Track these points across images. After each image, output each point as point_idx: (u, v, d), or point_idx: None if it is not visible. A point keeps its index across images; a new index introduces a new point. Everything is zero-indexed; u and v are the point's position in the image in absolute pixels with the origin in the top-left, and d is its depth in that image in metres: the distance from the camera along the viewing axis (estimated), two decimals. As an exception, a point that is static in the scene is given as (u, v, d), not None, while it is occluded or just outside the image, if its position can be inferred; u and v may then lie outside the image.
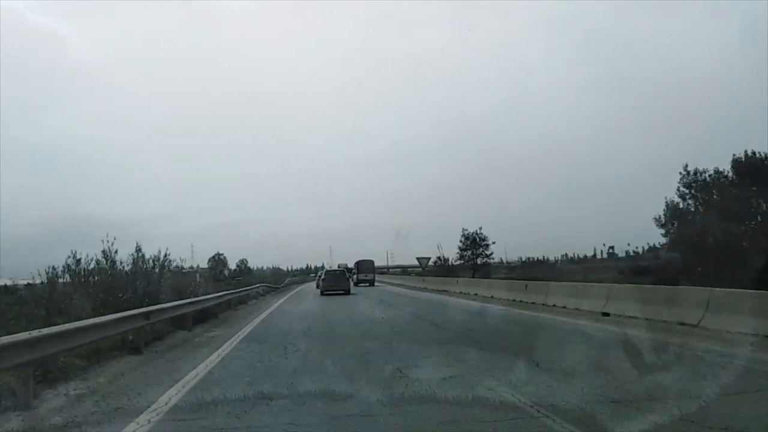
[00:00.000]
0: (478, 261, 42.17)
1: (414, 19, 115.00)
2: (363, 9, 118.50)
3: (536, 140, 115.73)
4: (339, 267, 38.29)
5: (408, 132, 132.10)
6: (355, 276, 40.77)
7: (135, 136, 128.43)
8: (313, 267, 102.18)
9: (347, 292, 27.37)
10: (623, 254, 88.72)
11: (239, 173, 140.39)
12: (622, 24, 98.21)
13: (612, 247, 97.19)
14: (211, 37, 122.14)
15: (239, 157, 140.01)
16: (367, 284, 39.61)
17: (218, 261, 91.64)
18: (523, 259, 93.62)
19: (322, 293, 27.58)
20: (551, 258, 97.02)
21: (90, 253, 12.24)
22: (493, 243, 42.34)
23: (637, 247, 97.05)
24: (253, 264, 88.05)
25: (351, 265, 44.58)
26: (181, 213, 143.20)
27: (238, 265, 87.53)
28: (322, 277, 31.52)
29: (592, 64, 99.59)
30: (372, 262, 43.46)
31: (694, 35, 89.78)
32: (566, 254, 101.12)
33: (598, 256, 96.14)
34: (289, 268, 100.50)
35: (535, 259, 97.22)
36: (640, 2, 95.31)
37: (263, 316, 16.03)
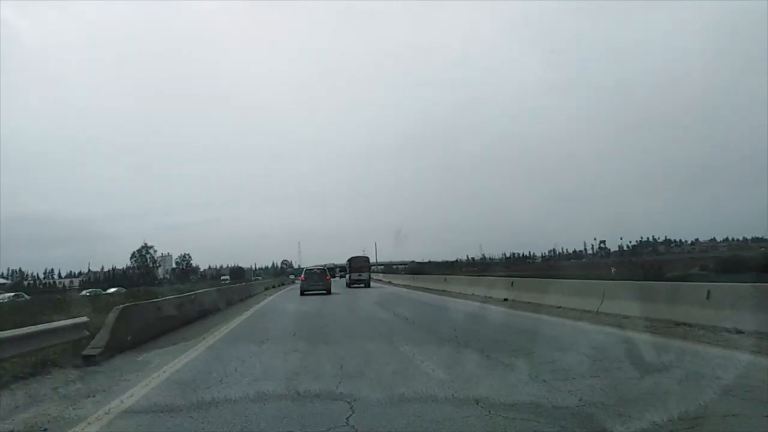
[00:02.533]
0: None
1: (381, 17, 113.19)
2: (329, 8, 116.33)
3: (523, 141, 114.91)
4: (326, 265, 36.32)
5: (380, 130, 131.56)
6: (347, 276, 38.25)
7: (87, 132, 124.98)
8: (279, 266, 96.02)
9: (328, 292, 27.31)
10: (616, 248, 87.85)
11: (197, 171, 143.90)
12: (589, 27, 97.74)
13: (603, 242, 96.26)
14: (172, 32, 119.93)
15: (198, 155, 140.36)
16: (362, 285, 35.01)
17: (144, 257, 67.64)
18: (507, 255, 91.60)
19: (302, 293, 27.42)
20: (537, 254, 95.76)
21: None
22: None
23: (630, 241, 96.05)
24: (210, 263, 77.72)
25: (335, 264, 42.71)
26: (136, 211, 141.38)
27: (178, 263, 74.76)
28: (302, 277, 30.76)
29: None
30: (367, 258, 39.68)
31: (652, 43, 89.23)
32: (554, 250, 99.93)
33: (589, 251, 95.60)
34: (253, 266, 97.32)
35: (520, 255, 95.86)
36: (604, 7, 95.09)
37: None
